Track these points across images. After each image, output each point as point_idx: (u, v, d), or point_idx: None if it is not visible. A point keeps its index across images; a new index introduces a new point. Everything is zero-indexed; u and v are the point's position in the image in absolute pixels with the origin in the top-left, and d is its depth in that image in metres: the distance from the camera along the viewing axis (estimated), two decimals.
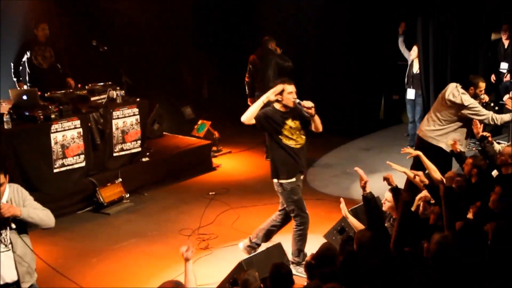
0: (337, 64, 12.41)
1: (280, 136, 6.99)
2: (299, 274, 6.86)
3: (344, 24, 12.12)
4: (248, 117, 6.94)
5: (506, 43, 11.07)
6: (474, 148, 10.58)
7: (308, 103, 6.83)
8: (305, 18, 12.14)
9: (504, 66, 11.09)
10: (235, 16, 12.48)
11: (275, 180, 7.15)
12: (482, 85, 8.21)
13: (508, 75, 10.81)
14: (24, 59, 10.30)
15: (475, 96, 8.10)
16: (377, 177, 9.97)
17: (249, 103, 10.36)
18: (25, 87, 10.09)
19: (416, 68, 11.34)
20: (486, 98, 8.26)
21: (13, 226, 5.31)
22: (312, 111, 6.92)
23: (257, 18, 12.40)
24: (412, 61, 11.34)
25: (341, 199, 7.16)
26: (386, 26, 12.08)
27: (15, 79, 10.31)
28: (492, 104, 8.31)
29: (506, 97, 8.64)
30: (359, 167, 10.41)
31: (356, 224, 6.88)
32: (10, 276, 5.43)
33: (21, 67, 10.32)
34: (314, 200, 9.34)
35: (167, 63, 12.33)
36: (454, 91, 8.11)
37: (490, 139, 8.23)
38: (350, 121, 12.55)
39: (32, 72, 10.27)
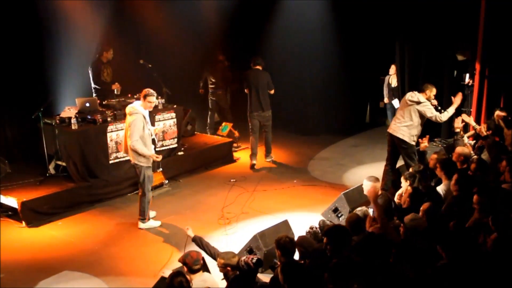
0: (333, 78, 12.37)
1: None
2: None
3: (339, 47, 12.06)
4: None
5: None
6: (439, 145, 10.58)
7: None
8: (306, 42, 12.05)
9: (467, 79, 11.02)
10: (247, 41, 12.44)
11: None
12: (434, 90, 8.34)
13: (470, 80, 10.71)
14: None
15: (428, 99, 8.23)
16: (364, 167, 10.12)
17: None
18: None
19: (394, 83, 11.33)
20: (435, 102, 8.39)
21: None
22: None
23: (264, 39, 12.33)
24: (390, 77, 11.35)
25: None
26: (372, 49, 12.07)
27: (95, 86, 10.25)
28: (439, 108, 8.40)
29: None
30: (349, 160, 10.62)
31: None
32: None
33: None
34: (314, 186, 9.40)
35: (198, 78, 12.33)
36: (412, 94, 8.30)
37: (461, 133, 8.34)
38: (342, 124, 12.52)
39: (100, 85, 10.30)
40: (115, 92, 10.18)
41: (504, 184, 6.23)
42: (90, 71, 10.22)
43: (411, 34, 10.93)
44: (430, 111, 8.13)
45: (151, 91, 7.69)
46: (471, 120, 8.85)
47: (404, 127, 8.22)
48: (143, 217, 7.88)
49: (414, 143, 8.28)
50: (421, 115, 8.19)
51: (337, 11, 11.72)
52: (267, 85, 10.06)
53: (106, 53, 10.24)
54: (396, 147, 8.39)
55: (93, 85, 10.24)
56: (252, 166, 10.23)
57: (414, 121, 8.19)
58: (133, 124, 7.47)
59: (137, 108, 7.58)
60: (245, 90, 10.23)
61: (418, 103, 8.15)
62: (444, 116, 8.18)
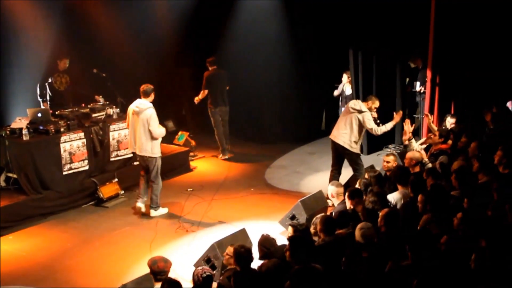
0: (288, 86, 12.44)
1: None
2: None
3: (294, 55, 12.14)
4: None
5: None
6: (394, 151, 10.73)
7: None
8: (261, 50, 12.06)
9: (418, 87, 11.22)
10: (203, 49, 12.43)
11: None
12: (377, 102, 8.59)
13: (422, 87, 10.91)
14: (46, 82, 10.28)
15: (369, 109, 8.49)
16: (320, 175, 10.18)
17: None
18: (45, 105, 10.05)
19: (348, 91, 11.41)
20: (375, 115, 8.63)
21: None
22: None
23: (218, 48, 12.32)
24: (344, 85, 11.45)
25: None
26: (327, 56, 12.21)
27: (40, 100, 10.18)
28: (378, 121, 8.62)
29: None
30: (305, 167, 10.68)
31: None
32: None
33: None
34: (271, 194, 9.43)
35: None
36: (356, 102, 8.62)
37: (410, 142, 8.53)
38: (299, 131, 12.59)
39: (52, 93, 10.23)
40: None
41: (453, 191, 6.36)
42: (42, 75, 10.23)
43: (364, 42, 11.08)
44: (370, 123, 8.39)
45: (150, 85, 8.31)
46: (432, 125, 9.10)
47: (345, 134, 8.48)
48: (155, 205, 8.44)
49: (356, 150, 8.53)
50: (361, 124, 8.41)
51: (291, 19, 11.83)
52: (226, 83, 10.96)
53: (60, 62, 10.17)
54: (340, 152, 8.58)
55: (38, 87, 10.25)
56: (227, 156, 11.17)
57: (353, 129, 8.45)
58: (153, 116, 8.16)
59: (148, 104, 8.21)
60: (204, 91, 10.85)
61: (360, 112, 8.41)
62: (381, 130, 8.47)
